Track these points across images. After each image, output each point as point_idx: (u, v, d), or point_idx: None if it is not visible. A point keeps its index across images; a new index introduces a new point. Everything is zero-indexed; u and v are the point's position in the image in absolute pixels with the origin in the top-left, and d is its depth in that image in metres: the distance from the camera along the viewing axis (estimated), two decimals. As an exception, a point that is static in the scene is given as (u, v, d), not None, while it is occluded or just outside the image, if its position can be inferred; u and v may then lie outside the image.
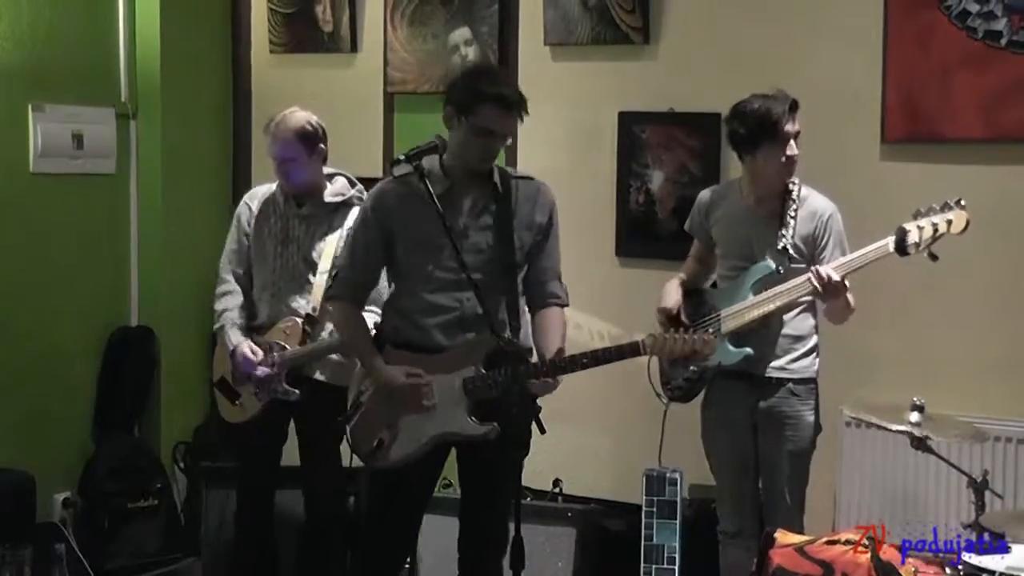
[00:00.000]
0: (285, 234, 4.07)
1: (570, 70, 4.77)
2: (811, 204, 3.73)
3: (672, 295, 3.91)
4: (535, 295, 3.53)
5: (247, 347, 4.02)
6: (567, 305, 3.57)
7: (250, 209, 4.13)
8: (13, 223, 4.79)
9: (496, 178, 3.46)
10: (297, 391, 4.01)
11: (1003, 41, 4.04)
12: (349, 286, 3.54)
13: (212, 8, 5.39)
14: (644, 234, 4.64)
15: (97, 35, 5.09)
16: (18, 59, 4.79)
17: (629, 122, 4.64)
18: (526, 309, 3.53)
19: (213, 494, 4.53)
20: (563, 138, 4.81)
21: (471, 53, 4.89)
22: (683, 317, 3.89)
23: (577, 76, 4.76)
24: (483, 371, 3.36)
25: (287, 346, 4.01)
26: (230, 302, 4.12)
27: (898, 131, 4.21)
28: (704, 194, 3.97)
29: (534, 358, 3.42)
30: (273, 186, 4.15)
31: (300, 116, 4.03)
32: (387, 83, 5.08)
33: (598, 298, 4.66)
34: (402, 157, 3.36)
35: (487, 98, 3.32)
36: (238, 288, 4.13)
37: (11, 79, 4.77)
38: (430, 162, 3.42)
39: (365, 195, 3.90)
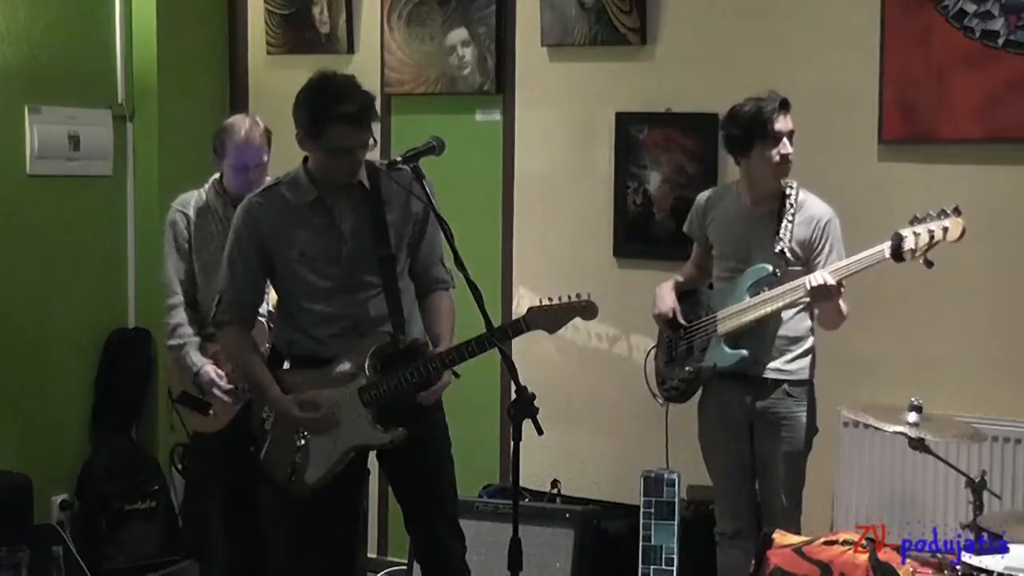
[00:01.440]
0: (225, 239, 4.05)
1: (567, 71, 4.76)
2: (809, 208, 3.73)
3: (667, 299, 3.91)
4: (421, 282, 3.49)
5: (211, 370, 4.00)
6: (452, 287, 3.53)
7: (187, 217, 4.09)
8: (10, 225, 4.78)
9: (363, 176, 3.40)
10: None
11: (1000, 41, 4.04)
12: (236, 309, 3.48)
13: (209, 9, 5.39)
14: (641, 235, 4.64)
15: (94, 37, 5.08)
16: (14, 60, 4.78)
17: (626, 123, 4.64)
18: (414, 299, 3.49)
19: (210, 496, 4.51)
20: (560, 139, 4.81)
21: (468, 54, 4.88)
22: (680, 319, 3.90)
23: (574, 77, 4.76)
24: (374, 376, 3.34)
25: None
26: (181, 316, 4.07)
27: (895, 131, 4.21)
28: (702, 196, 3.98)
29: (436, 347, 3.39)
30: (201, 192, 4.12)
31: (260, 120, 4.04)
32: (384, 84, 5.07)
33: (595, 298, 4.62)
34: (399, 159, 3.34)
35: (332, 119, 3.24)
36: (183, 299, 4.09)
37: (7, 80, 4.76)
38: (296, 172, 3.40)
39: None
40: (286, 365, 3.49)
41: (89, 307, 5.09)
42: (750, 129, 3.66)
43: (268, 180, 3.51)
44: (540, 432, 3.13)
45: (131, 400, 5.15)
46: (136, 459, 5.05)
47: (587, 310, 3.37)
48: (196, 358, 4.03)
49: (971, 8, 4.06)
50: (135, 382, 5.15)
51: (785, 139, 3.66)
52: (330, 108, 3.25)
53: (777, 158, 3.65)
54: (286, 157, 3.78)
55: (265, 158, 4.02)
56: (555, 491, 4.59)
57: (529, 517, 4.12)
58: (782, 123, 3.65)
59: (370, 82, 5.05)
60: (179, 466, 5.14)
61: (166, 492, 5.06)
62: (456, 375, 3.39)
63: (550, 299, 3.37)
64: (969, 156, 4.13)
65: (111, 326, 5.16)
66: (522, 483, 3.27)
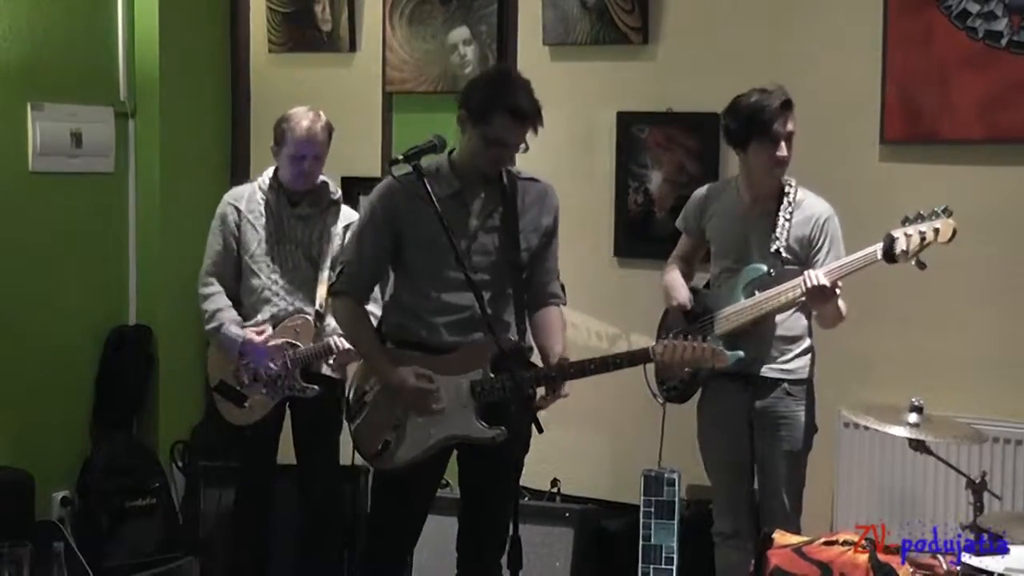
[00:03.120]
0: (281, 233, 4.07)
1: (569, 70, 4.76)
2: (808, 207, 3.73)
3: (682, 291, 3.89)
4: (536, 295, 3.52)
5: (252, 332, 4.02)
6: (565, 304, 3.58)
7: (237, 210, 4.10)
8: (11, 222, 4.79)
9: (505, 180, 3.45)
10: (316, 387, 4.02)
11: (1003, 41, 4.03)
12: (355, 282, 3.50)
13: (211, 7, 5.39)
14: (642, 234, 4.64)
15: (96, 34, 5.09)
16: (17, 58, 4.78)
17: (627, 122, 4.64)
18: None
19: (210, 493, 4.52)
20: (561, 138, 4.80)
21: (469, 53, 4.88)
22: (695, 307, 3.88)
23: (576, 76, 4.75)
24: (491, 374, 3.35)
25: (299, 344, 4.02)
26: (220, 302, 4.09)
27: (897, 131, 4.20)
28: (700, 191, 3.97)
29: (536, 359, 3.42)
30: (254, 186, 4.14)
31: (322, 114, 4.05)
32: (386, 83, 5.07)
33: (596, 298, 4.66)
34: (400, 157, 3.34)
35: (502, 109, 3.29)
36: (221, 288, 4.11)
37: (10, 78, 4.77)
38: (439, 162, 3.42)
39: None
40: (389, 346, 3.47)
41: (90, 304, 5.10)
42: (749, 125, 3.65)
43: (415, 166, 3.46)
44: (540, 431, 3.14)
45: (132, 397, 5.16)
46: (137, 456, 5.05)
47: (716, 359, 3.34)
48: (237, 330, 4.04)
49: (974, 8, 4.05)
50: (136, 379, 5.16)
51: (783, 141, 3.64)
52: (504, 98, 3.30)
53: (772, 160, 3.65)
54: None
55: (324, 151, 4.04)
56: (555, 490, 4.60)
57: (529, 516, 4.12)
58: (782, 125, 3.63)
59: (371, 80, 5.12)
60: (179, 463, 5.15)
61: (166, 489, 5.06)
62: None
63: (682, 336, 3.37)
64: (971, 157, 4.12)
65: (112, 323, 5.16)
66: (522, 482, 3.27)
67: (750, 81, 3.81)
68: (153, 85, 5.17)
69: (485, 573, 3.56)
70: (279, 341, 4.04)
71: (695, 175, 4.49)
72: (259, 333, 4.04)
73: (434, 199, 3.27)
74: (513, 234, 3.43)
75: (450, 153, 3.44)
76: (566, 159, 4.78)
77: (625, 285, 4.64)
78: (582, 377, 3.35)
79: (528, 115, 3.31)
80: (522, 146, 3.37)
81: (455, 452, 3.52)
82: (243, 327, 4.08)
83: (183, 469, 5.14)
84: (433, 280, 3.39)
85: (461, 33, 4.90)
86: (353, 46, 5.15)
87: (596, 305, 4.65)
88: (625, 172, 4.65)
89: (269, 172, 4.14)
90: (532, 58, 4.81)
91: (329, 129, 4.05)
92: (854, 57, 4.26)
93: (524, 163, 4.82)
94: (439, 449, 3.42)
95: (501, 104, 3.29)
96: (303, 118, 4.01)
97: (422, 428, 3.39)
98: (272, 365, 4.02)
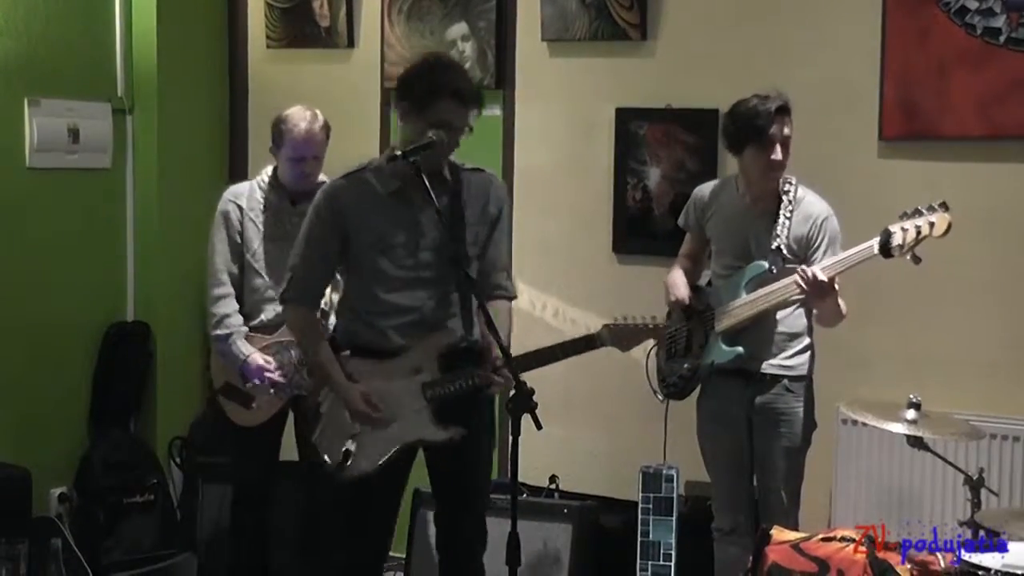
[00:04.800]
0: (282, 232, 4.04)
1: (567, 66, 4.76)
2: (807, 206, 3.73)
3: (682, 287, 3.90)
4: (482, 288, 3.46)
5: (259, 358, 4.00)
6: (514, 297, 3.54)
7: (239, 208, 4.07)
8: (8, 218, 4.78)
9: (447, 173, 3.41)
10: None
11: (1002, 38, 4.03)
12: (305, 288, 3.48)
13: (209, 3, 5.37)
14: (641, 231, 4.63)
15: (93, 29, 5.08)
16: (14, 53, 4.77)
17: (626, 118, 4.63)
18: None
19: (209, 489, 4.52)
20: (560, 134, 4.81)
21: (468, 49, 4.88)
22: (696, 304, 3.89)
23: (574, 72, 4.75)
24: (440, 373, 3.35)
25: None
26: (230, 307, 4.05)
27: (896, 128, 4.20)
28: (700, 189, 3.97)
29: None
30: (253, 184, 4.12)
31: (319, 114, 4.02)
32: (384, 79, 5.06)
33: (595, 295, 4.66)
34: (398, 153, 3.34)
35: (443, 93, 3.27)
36: (232, 290, 4.08)
37: (7, 73, 4.76)
38: (380, 160, 3.40)
39: None
40: (345, 353, 3.47)
41: (88, 300, 5.09)
42: (745, 129, 3.66)
43: (353, 166, 3.47)
44: (539, 427, 3.14)
45: (130, 393, 5.15)
46: (135, 452, 5.05)
47: (659, 332, 3.43)
48: (244, 347, 4.01)
49: (973, 5, 4.05)
50: (134, 375, 5.15)
51: (778, 145, 3.64)
52: (444, 83, 3.28)
53: (767, 164, 3.65)
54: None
55: (323, 152, 4.01)
56: (553, 486, 4.59)
57: (527, 512, 4.11)
58: (777, 129, 3.63)
59: (369, 76, 5.11)
60: (177, 459, 5.14)
61: (164, 486, 5.05)
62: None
63: (624, 318, 3.43)
64: (970, 154, 4.12)
65: (110, 319, 5.16)
66: (520, 478, 3.27)
67: (749, 78, 3.82)
68: (151, 81, 5.16)
69: (469, 569, 3.54)
70: (277, 376, 3.98)
71: (694, 171, 4.48)
72: (266, 360, 4.00)
73: (433, 197, 3.26)
74: (459, 227, 3.39)
75: (392, 151, 3.39)
76: (565, 155, 4.79)
77: (624, 281, 4.63)
78: (529, 369, 3.32)
79: (471, 96, 3.31)
80: (466, 129, 3.35)
81: (423, 453, 3.51)
82: (248, 327, 4.04)
83: (181, 466, 5.14)
84: (380, 280, 3.38)
85: (460, 29, 4.90)
86: (351, 42, 5.15)
87: (595, 301, 4.65)
88: (624, 168, 4.65)
89: (268, 170, 4.11)
90: (531, 54, 4.80)
91: (327, 129, 4.03)
92: (852, 54, 4.25)
93: (523, 158, 4.85)
94: (401, 453, 3.41)
95: (442, 89, 3.27)
96: (301, 119, 3.97)
97: (379, 436, 3.38)
98: (269, 382, 3.99)
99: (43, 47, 4.86)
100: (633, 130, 4.62)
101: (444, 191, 3.39)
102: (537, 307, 4.77)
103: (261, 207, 4.07)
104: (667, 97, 4.56)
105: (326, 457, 3.44)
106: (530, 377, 3.13)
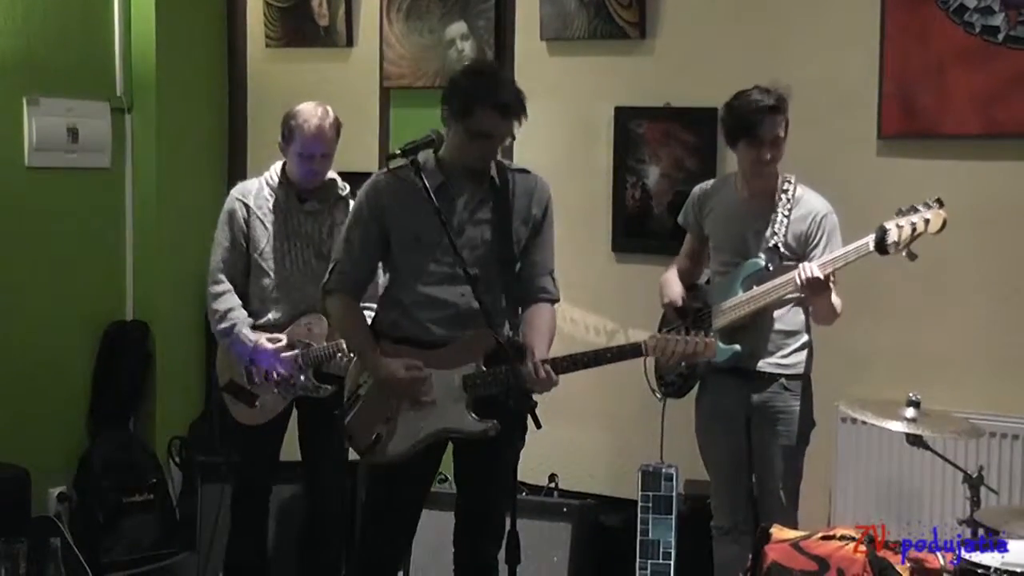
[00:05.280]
0: (290, 230, 4.03)
1: (566, 65, 4.76)
2: (806, 204, 3.73)
3: (675, 288, 3.91)
4: (525, 290, 3.50)
5: (267, 342, 3.98)
6: (557, 300, 3.55)
7: (246, 206, 4.04)
8: (8, 217, 4.79)
9: (493, 172, 3.44)
10: (330, 386, 3.97)
11: (1000, 36, 4.03)
12: (347, 280, 3.50)
13: (208, 1, 5.38)
14: (640, 229, 4.64)
15: (92, 28, 5.08)
16: (13, 52, 4.78)
17: (625, 117, 4.64)
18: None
19: (208, 489, 4.52)
20: (559, 133, 4.80)
21: (467, 48, 4.88)
22: (690, 303, 3.89)
23: (573, 71, 4.75)
24: (483, 368, 3.35)
25: (311, 343, 3.99)
26: (232, 301, 4.03)
27: (894, 126, 4.20)
28: (699, 187, 3.97)
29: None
30: (261, 181, 4.10)
31: (331, 110, 4.01)
32: (383, 78, 5.07)
33: (594, 293, 4.66)
34: (398, 152, 3.34)
35: (484, 103, 3.29)
36: (231, 287, 4.05)
37: (6, 72, 4.76)
38: (425, 156, 3.41)
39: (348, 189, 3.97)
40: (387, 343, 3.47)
41: (87, 299, 5.09)
42: (738, 124, 3.67)
43: (398, 161, 3.45)
44: (538, 426, 3.14)
45: (129, 392, 5.15)
46: (134, 452, 5.05)
47: (708, 350, 3.38)
48: (250, 334, 3.99)
49: (972, 3, 4.05)
50: (133, 374, 5.15)
51: (767, 145, 3.64)
52: (486, 92, 3.30)
53: (755, 160, 3.66)
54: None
55: (333, 149, 4.00)
56: (553, 485, 4.60)
57: (527, 511, 4.11)
58: (767, 130, 3.62)
59: (368, 75, 5.11)
60: (176, 459, 5.15)
61: (164, 485, 5.06)
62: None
63: (672, 330, 3.42)
64: (969, 152, 4.12)
65: (109, 318, 5.16)
66: (520, 477, 3.28)
67: (747, 76, 3.81)
68: (150, 80, 5.16)
69: (482, 566, 3.55)
70: (292, 353, 3.99)
71: (693, 170, 4.48)
72: (272, 341, 3.99)
73: (430, 191, 3.27)
74: (505, 227, 3.42)
75: (436, 150, 3.42)
76: (564, 154, 4.78)
77: (623, 280, 4.64)
78: (574, 371, 3.35)
79: (512, 108, 3.32)
80: (508, 138, 3.38)
81: (452, 447, 3.52)
82: (255, 327, 4.04)
83: (180, 465, 5.14)
84: (419, 275, 3.39)
85: (459, 28, 4.90)
86: (350, 41, 5.15)
87: (594, 300, 4.65)
88: (623, 167, 4.65)
89: (277, 167, 4.08)
90: (530, 53, 4.81)
91: (338, 126, 4.01)
92: (851, 52, 4.25)
93: (522, 156, 4.85)
94: (432, 442, 3.42)
95: (483, 99, 3.29)
96: (312, 116, 3.95)
97: (413, 421, 3.39)
98: (282, 369, 3.99)
99: (42, 46, 4.87)
100: (632, 129, 4.62)
101: (491, 191, 3.42)
102: (536, 306, 4.77)
103: (269, 205, 4.05)
104: (666, 96, 4.56)
105: (352, 439, 3.46)
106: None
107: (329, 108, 4.03)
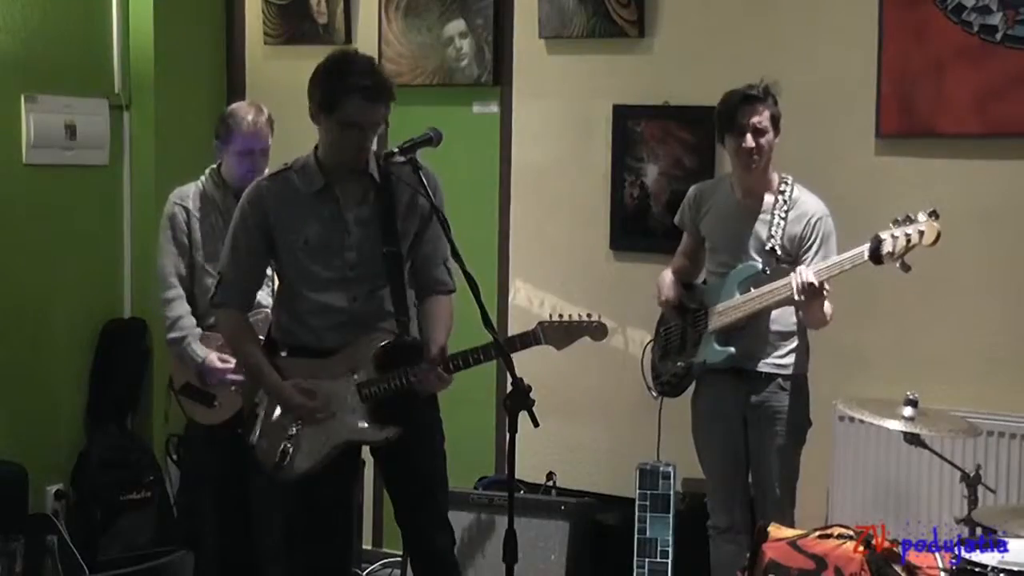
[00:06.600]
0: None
1: (565, 63, 4.76)
2: (802, 205, 3.74)
3: (671, 286, 3.91)
4: (420, 283, 3.44)
5: (215, 358, 3.98)
6: (453, 291, 3.47)
7: (186, 210, 4.06)
8: (5, 214, 4.78)
9: (372, 168, 3.37)
10: None
11: (998, 36, 4.04)
12: (235, 291, 3.45)
13: (206, -1, 5.38)
14: (638, 228, 4.63)
15: (90, 25, 5.07)
16: (11, 49, 4.77)
17: (624, 116, 4.63)
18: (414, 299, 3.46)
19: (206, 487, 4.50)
20: (558, 131, 4.80)
21: (466, 46, 4.88)
22: (687, 303, 3.89)
23: (572, 69, 4.75)
24: (375, 373, 3.32)
25: (261, 338, 3.98)
26: (182, 308, 4.05)
27: (892, 125, 4.21)
28: (695, 188, 3.98)
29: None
30: (198, 184, 4.10)
31: (264, 107, 4.04)
32: (382, 75, 5.06)
33: (592, 292, 4.66)
34: (396, 149, 3.32)
35: (349, 91, 3.22)
36: (183, 292, 4.07)
37: (4, 69, 4.75)
38: (305, 159, 3.37)
39: None
40: (283, 354, 3.45)
41: (85, 297, 5.08)
42: (721, 120, 3.71)
43: (277, 166, 3.48)
44: (536, 424, 3.13)
45: (126, 390, 5.14)
46: (131, 449, 5.04)
47: (598, 331, 3.40)
48: (199, 349, 4.01)
49: (969, 3, 4.05)
50: (130, 372, 5.14)
51: (749, 134, 3.64)
52: (348, 80, 3.23)
53: (738, 150, 3.66)
54: (284, 147, 3.78)
55: (269, 145, 4.02)
56: (550, 483, 4.60)
57: (524, 509, 4.12)
58: (745, 117, 3.63)
59: (367, 73, 5.10)
60: (174, 456, 5.14)
61: (161, 482, 5.05)
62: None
63: (560, 315, 3.40)
64: (967, 151, 4.13)
65: (106, 316, 5.15)
66: (517, 475, 3.27)
67: (746, 74, 3.82)
68: (148, 77, 5.15)
69: (440, 566, 3.51)
70: (239, 377, 3.91)
71: (691, 169, 4.49)
72: (222, 360, 3.97)
73: (430, 194, 3.24)
74: (390, 224, 3.35)
75: (316, 149, 3.37)
76: (562, 152, 4.79)
77: (621, 278, 4.64)
78: (466, 368, 3.31)
79: (377, 92, 3.24)
80: (381, 124, 3.30)
81: (370, 451, 3.50)
82: (204, 328, 4.02)
83: (178, 463, 5.13)
84: (308, 281, 3.35)
85: (457, 26, 4.89)
86: (349, 38, 5.14)
87: (592, 298, 4.64)
88: (621, 165, 4.65)
89: (211, 168, 4.11)
90: (528, 51, 4.80)
91: (271, 122, 4.03)
92: (850, 51, 4.25)
93: (521, 155, 4.85)
94: (339, 453, 3.38)
95: (347, 87, 3.22)
96: (248, 112, 3.99)
97: (316, 436, 3.36)
98: (234, 377, 3.97)
99: (40, 43, 4.86)
100: (631, 127, 4.62)
101: (373, 187, 3.36)
102: (535, 304, 4.77)
103: (208, 207, 4.06)
104: (665, 94, 4.56)
105: (259, 459, 3.42)
106: (526, 374, 3.12)
107: (263, 105, 4.06)
